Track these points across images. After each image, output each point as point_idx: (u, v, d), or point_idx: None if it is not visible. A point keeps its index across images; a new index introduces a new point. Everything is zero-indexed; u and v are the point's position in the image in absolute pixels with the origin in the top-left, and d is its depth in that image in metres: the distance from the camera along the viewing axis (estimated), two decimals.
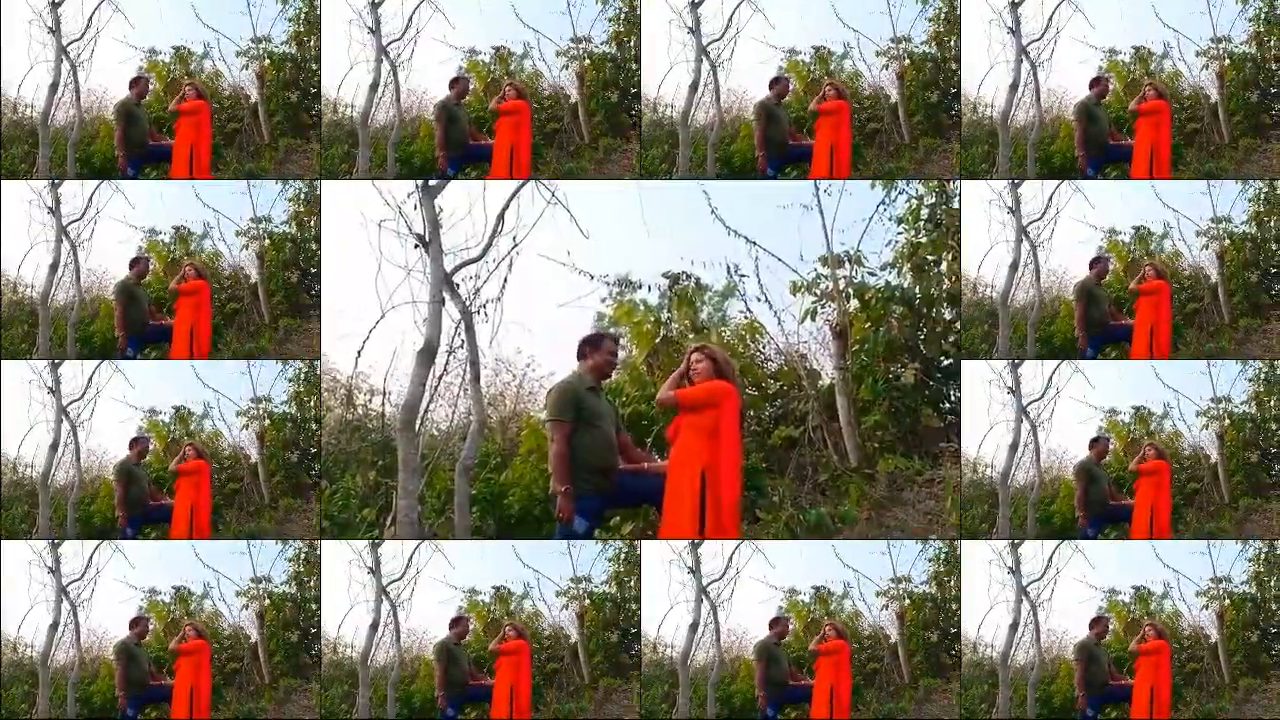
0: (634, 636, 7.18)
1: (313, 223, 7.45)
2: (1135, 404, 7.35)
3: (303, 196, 7.46)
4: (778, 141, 7.57)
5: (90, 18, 7.50)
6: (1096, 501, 7.28)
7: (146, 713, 7.23)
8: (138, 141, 7.52)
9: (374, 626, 7.19)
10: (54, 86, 7.50)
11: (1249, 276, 7.36)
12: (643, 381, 9.48)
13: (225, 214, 7.52)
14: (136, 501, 7.40)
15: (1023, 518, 7.27)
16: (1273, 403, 7.27)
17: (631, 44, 7.48)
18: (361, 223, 7.44)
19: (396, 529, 7.41)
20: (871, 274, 9.28)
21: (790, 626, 7.21)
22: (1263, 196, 7.34)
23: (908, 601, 7.21)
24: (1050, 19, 7.38)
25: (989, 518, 7.24)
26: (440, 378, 8.08)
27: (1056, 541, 7.18)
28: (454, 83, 7.60)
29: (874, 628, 7.23)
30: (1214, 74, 7.40)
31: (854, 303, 9.23)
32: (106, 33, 7.51)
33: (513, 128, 7.55)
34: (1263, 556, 7.15)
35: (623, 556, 7.21)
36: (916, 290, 9.18)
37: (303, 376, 7.42)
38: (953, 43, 7.45)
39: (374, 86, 7.51)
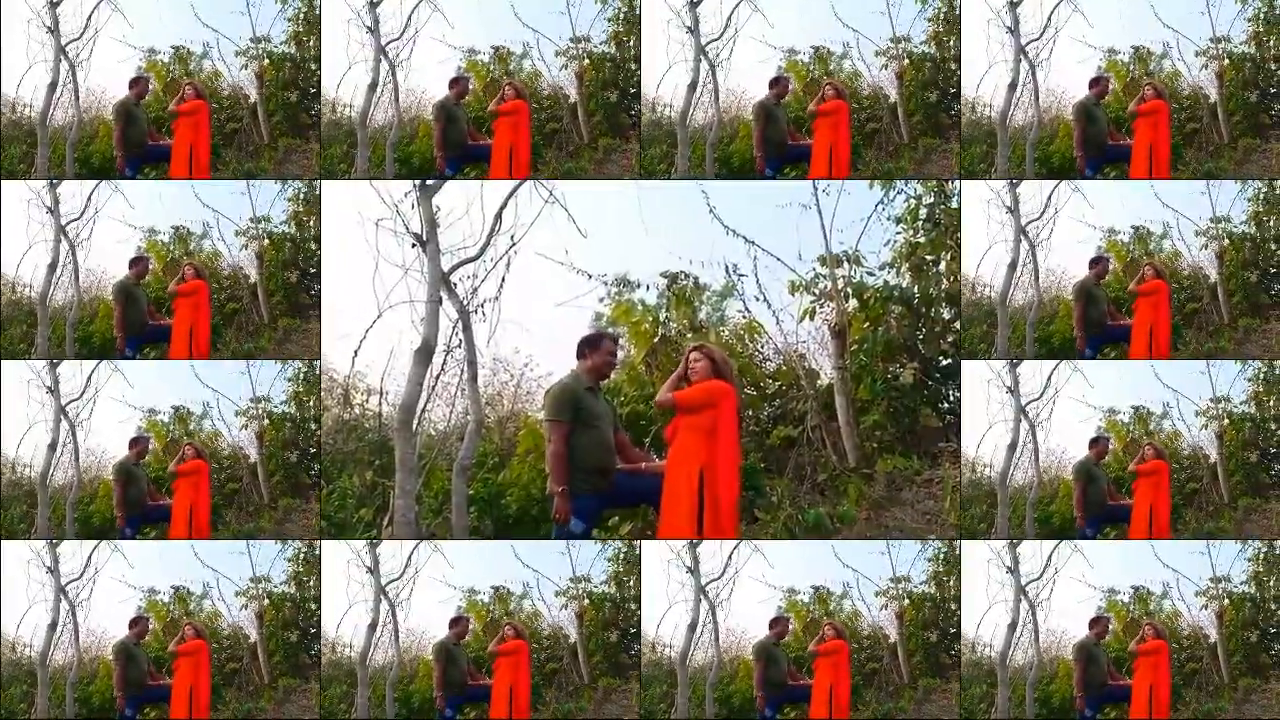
0: (633, 636, 7.14)
1: (312, 223, 7.39)
2: (1134, 404, 7.29)
3: (302, 196, 7.40)
4: (776, 142, 7.52)
5: (89, 17, 7.43)
6: (1095, 502, 7.22)
7: (145, 713, 7.17)
8: (136, 141, 7.45)
9: (373, 626, 7.13)
10: (53, 86, 7.44)
11: (1248, 276, 7.31)
12: (641, 381, 9.47)
13: (224, 214, 7.46)
14: (135, 502, 7.35)
15: (1021, 517, 7.21)
16: (1272, 403, 7.23)
17: (631, 44, 7.42)
18: (359, 222, 7.45)
19: (394, 529, 7.38)
20: (870, 274, 9.28)
21: (790, 626, 7.15)
22: (1262, 196, 7.29)
23: (907, 601, 7.15)
24: (1049, 18, 7.33)
25: (987, 517, 7.19)
26: (438, 377, 8.09)
27: (1055, 541, 7.12)
28: (454, 83, 7.54)
29: (873, 628, 7.18)
30: (1213, 74, 7.34)
31: (852, 302, 9.20)
32: (105, 32, 7.44)
33: (511, 128, 7.49)
34: (1262, 556, 7.10)
35: (622, 556, 7.16)
36: (915, 290, 9.14)
37: (302, 377, 7.36)
38: (952, 43, 7.40)
39: (373, 86, 7.45)
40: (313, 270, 7.42)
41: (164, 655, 7.18)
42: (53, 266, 7.42)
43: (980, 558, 7.09)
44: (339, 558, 7.15)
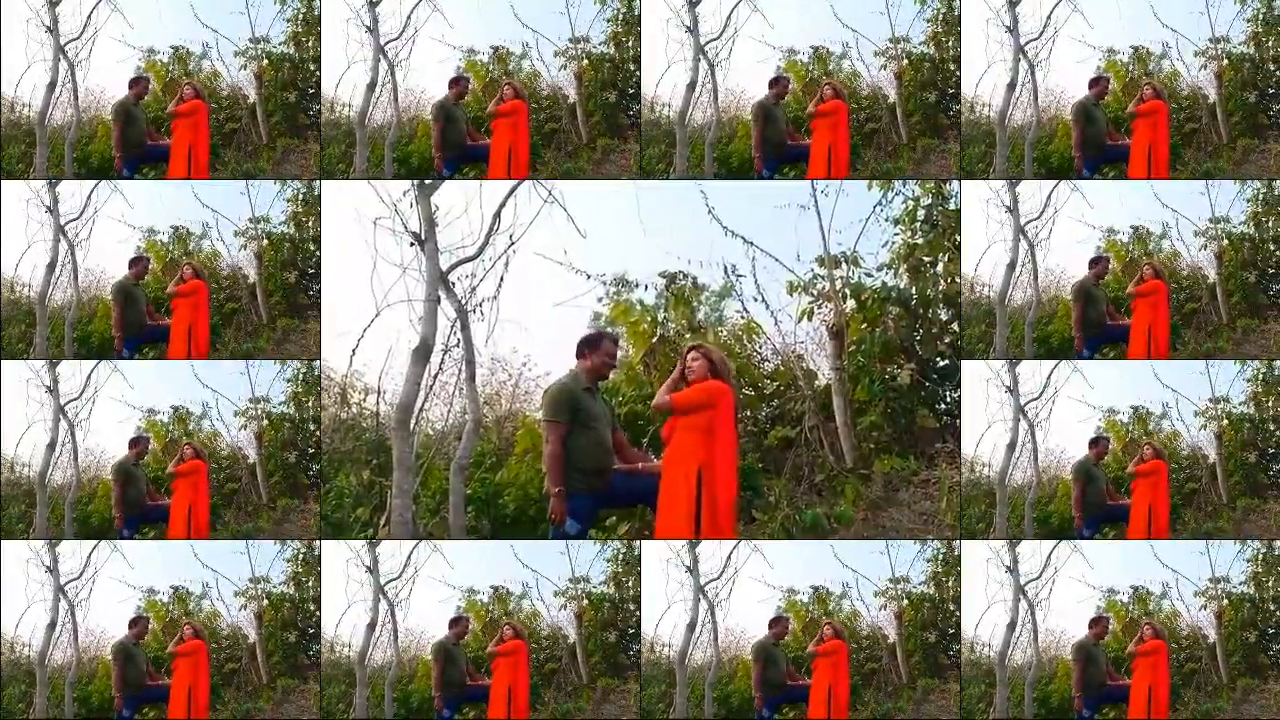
0: (632, 637, 7.08)
1: (310, 223, 7.33)
2: (1134, 404, 7.24)
3: (301, 197, 7.34)
4: (775, 142, 7.46)
5: (88, 17, 7.36)
6: (1094, 502, 7.17)
7: (144, 713, 7.10)
8: (135, 142, 7.39)
9: (371, 626, 7.07)
10: (52, 85, 7.37)
11: (1247, 277, 7.26)
12: (639, 381, 9.41)
13: (223, 214, 7.41)
14: (134, 502, 7.29)
15: (1020, 517, 7.14)
16: (1271, 403, 7.17)
17: (629, 45, 7.36)
18: (357, 221, 7.39)
19: (390, 528, 7.32)
20: (868, 275, 9.20)
21: (789, 626, 7.09)
22: (1261, 197, 7.24)
23: (906, 602, 7.10)
24: (1048, 18, 7.28)
25: (986, 517, 7.13)
26: (435, 376, 8.00)
27: (1054, 541, 7.06)
28: (454, 83, 7.48)
29: (872, 628, 7.13)
30: (1212, 74, 7.29)
31: (850, 303, 9.13)
32: (105, 32, 7.38)
33: (510, 128, 7.43)
34: (1261, 557, 7.05)
35: (620, 557, 7.10)
36: (913, 291, 9.08)
37: (301, 377, 7.30)
38: (950, 43, 7.34)
39: (371, 86, 7.39)
40: (311, 271, 7.36)
41: (163, 655, 7.12)
42: (52, 266, 7.36)
43: (979, 557, 7.03)
44: (338, 557, 7.08)
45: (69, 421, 7.29)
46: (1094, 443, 7.21)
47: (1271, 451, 7.16)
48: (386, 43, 7.38)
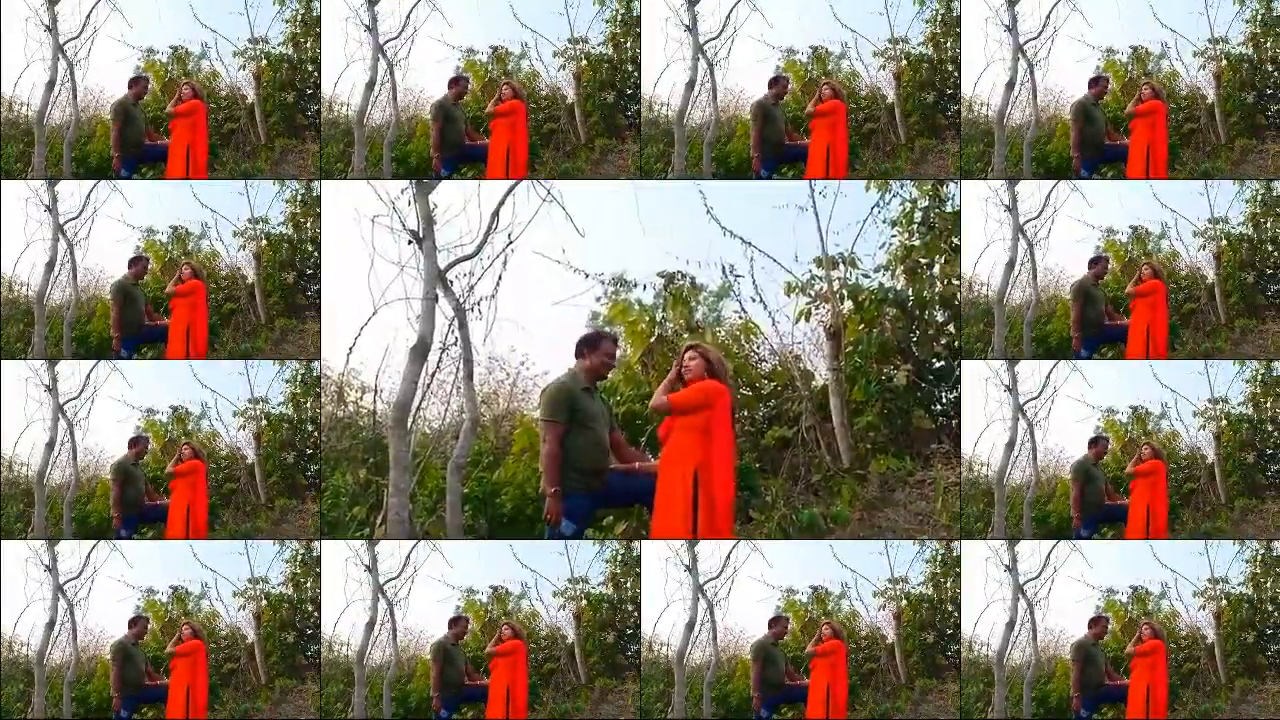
0: (630, 637, 7.01)
1: (309, 224, 7.27)
2: (1133, 404, 7.18)
3: (299, 198, 7.28)
4: (774, 142, 7.40)
5: (88, 16, 7.29)
6: (1092, 502, 7.11)
7: (143, 713, 7.03)
8: (133, 141, 7.32)
9: (370, 625, 6.99)
10: (51, 85, 7.30)
11: (1245, 277, 7.21)
12: (637, 381, 9.37)
13: (222, 214, 7.34)
14: (132, 502, 7.22)
15: (1019, 517, 7.08)
16: (1269, 404, 7.11)
17: (628, 45, 7.30)
18: (355, 219, 7.30)
19: (387, 528, 7.26)
20: (865, 276, 9.16)
21: (789, 626, 7.03)
22: (1259, 198, 7.20)
23: (904, 602, 7.04)
24: (1048, 17, 7.22)
25: (984, 516, 7.06)
26: (433, 375, 7.87)
27: (1053, 541, 7.00)
28: (453, 82, 7.42)
29: (871, 628, 7.06)
30: (1211, 74, 7.25)
31: (848, 304, 9.09)
32: (104, 31, 7.31)
33: (509, 128, 7.36)
34: (1259, 558, 6.99)
35: (619, 558, 7.04)
36: (909, 293, 9.04)
37: (299, 378, 7.24)
38: (949, 44, 7.30)
39: (370, 85, 7.32)
40: (309, 271, 7.30)
41: (162, 656, 7.06)
42: (50, 265, 7.29)
43: (978, 557, 6.97)
44: (337, 556, 7.02)
45: (68, 421, 7.23)
46: (1093, 442, 7.16)
47: (1269, 452, 7.10)
48: (385, 42, 7.32)
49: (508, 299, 7.66)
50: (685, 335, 9.18)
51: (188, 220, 7.34)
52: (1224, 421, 7.11)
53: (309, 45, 7.28)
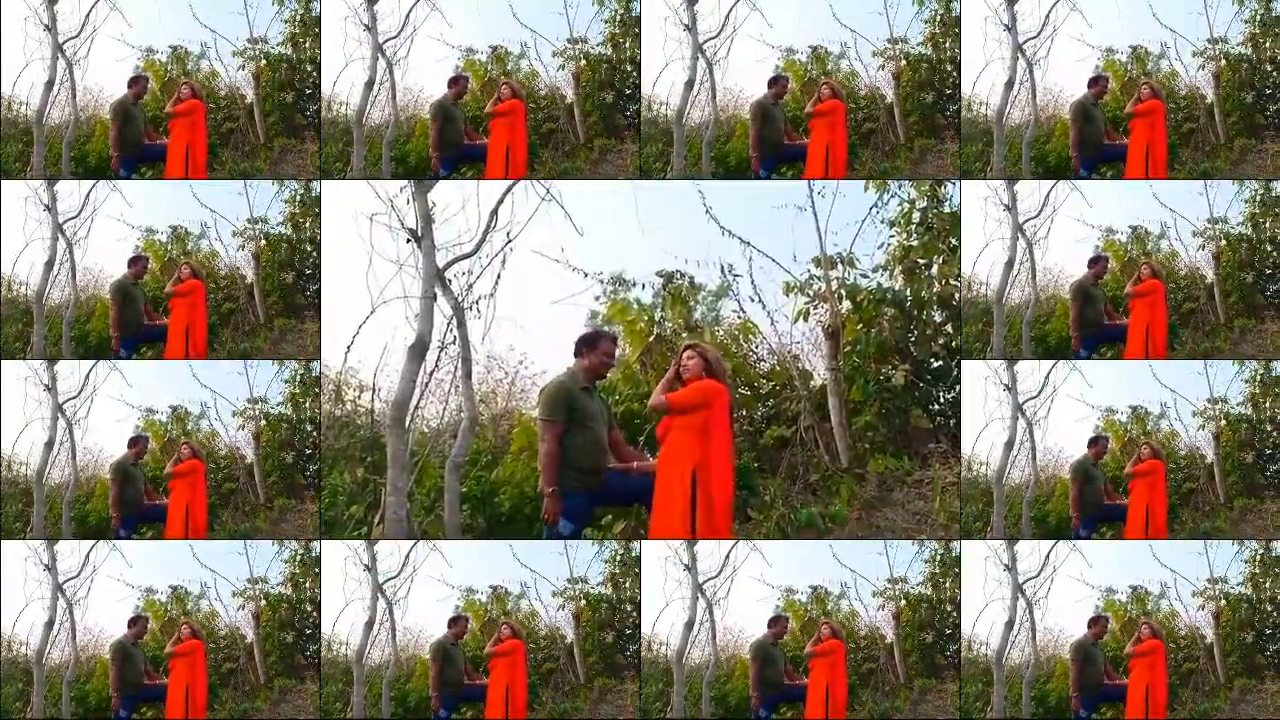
0: (629, 637, 6.98)
1: (308, 224, 7.24)
2: (1132, 403, 7.15)
3: (298, 198, 7.24)
4: (773, 142, 7.37)
5: (87, 15, 7.25)
6: (1091, 502, 7.08)
7: (142, 712, 6.99)
8: (132, 141, 7.28)
9: (369, 625, 6.96)
10: (50, 84, 7.25)
11: (1244, 277, 7.18)
12: (635, 380, 9.34)
13: (222, 214, 7.31)
14: (131, 501, 7.18)
15: (1018, 516, 7.05)
16: (1268, 404, 7.08)
17: (627, 45, 7.27)
18: (354, 217, 7.25)
19: (385, 527, 7.23)
20: (864, 276, 9.13)
21: (789, 626, 7.00)
22: (1258, 198, 7.17)
23: (904, 602, 7.00)
24: (1047, 17, 7.19)
25: (983, 516, 7.03)
26: (431, 374, 7.85)
27: (1052, 540, 6.97)
28: (453, 82, 7.38)
29: (870, 628, 7.02)
30: (1210, 74, 7.22)
31: (846, 304, 9.06)
32: (103, 31, 7.27)
33: (508, 128, 7.32)
34: (1258, 558, 6.96)
35: (618, 558, 7.00)
36: (907, 293, 9.02)
37: (298, 378, 7.20)
38: (948, 44, 7.26)
39: (369, 84, 7.28)
40: (308, 271, 7.26)
41: (161, 655, 7.02)
42: (49, 265, 7.25)
43: (977, 556, 6.94)
44: (336, 555, 6.99)
45: (67, 420, 7.19)
46: (1093, 442, 7.13)
47: (1268, 452, 7.07)
48: (385, 41, 7.28)
49: (506, 298, 7.65)
50: (684, 334, 9.16)
51: (187, 220, 7.30)
52: (1223, 421, 7.08)
53: (308, 45, 7.24)
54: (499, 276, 7.55)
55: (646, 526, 6.97)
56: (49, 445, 7.16)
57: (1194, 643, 6.94)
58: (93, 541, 7.02)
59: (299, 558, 7.02)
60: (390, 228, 7.24)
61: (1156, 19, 7.16)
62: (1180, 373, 7.09)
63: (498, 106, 7.29)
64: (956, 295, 8.54)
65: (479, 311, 7.59)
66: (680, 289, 9.45)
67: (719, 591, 6.94)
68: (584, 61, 7.32)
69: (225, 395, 7.20)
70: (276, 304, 7.24)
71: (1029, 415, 7.05)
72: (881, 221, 9.05)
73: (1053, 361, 7.09)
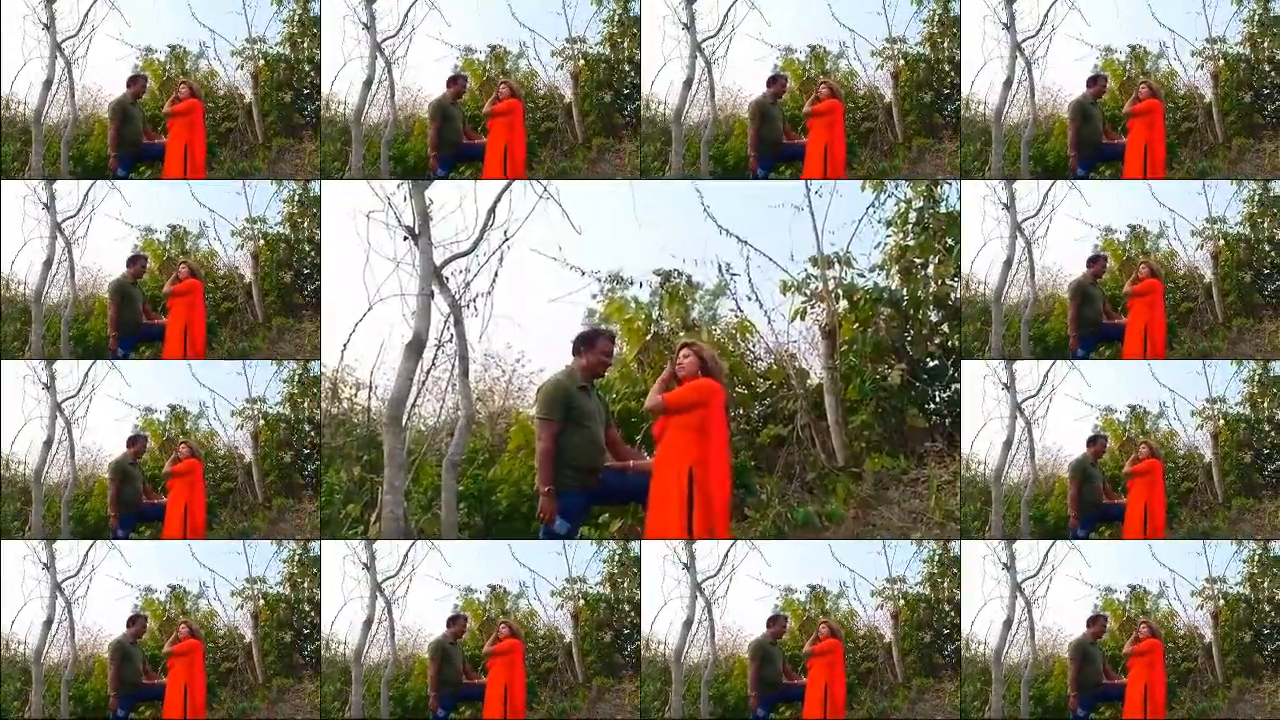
0: (627, 637, 6.92)
1: (306, 223, 7.18)
2: (1130, 403, 7.10)
3: (296, 198, 7.18)
4: (771, 141, 7.32)
5: (86, 14, 7.18)
6: (1090, 501, 7.03)
7: (140, 712, 6.93)
8: (131, 140, 7.23)
9: (368, 624, 6.89)
10: (48, 83, 7.19)
11: (1243, 277, 7.13)
12: (633, 379, 9.30)
13: (220, 214, 7.24)
14: (130, 501, 7.12)
15: (1016, 515, 6.99)
16: (1266, 403, 7.03)
17: (625, 45, 7.21)
18: (351, 215, 7.18)
19: (382, 525, 7.14)
20: (860, 275, 9.12)
21: (787, 625, 6.94)
22: (1257, 198, 7.12)
23: (902, 602, 6.94)
24: (1046, 16, 7.13)
25: (982, 515, 6.97)
26: (428, 372, 7.81)
27: (1051, 540, 6.91)
28: (451, 81, 7.32)
29: (868, 627, 6.96)
30: (1209, 74, 7.17)
31: (843, 303, 9.05)
32: (102, 30, 7.21)
33: (506, 127, 7.26)
34: (1256, 557, 6.90)
35: (617, 558, 6.95)
36: (904, 292, 8.98)
37: (297, 378, 7.13)
38: (947, 44, 7.21)
39: (368, 84, 7.21)
40: (306, 271, 7.19)
41: (159, 654, 6.95)
42: (48, 264, 7.19)
43: (976, 555, 6.88)
44: (335, 555, 6.93)
45: (65, 419, 7.13)
46: (1091, 441, 7.08)
47: (1267, 452, 7.02)
48: (383, 40, 7.23)
49: (504, 296, 7.59)
50: (681, 333, 9.12)
51: (185, 219, 7.25)
52: (1221, 421, 7.03)
53: (307, 45, 7.18)
54: (496, 274, 7.49)
55: (644, 525, 6.85)
56: (47, 444, 7.10)
57: (1192, 642, 6.89)
58: (91, 541, 6.97)
59: (297, 557, 6.96)
60: (387, 225, 7.18)
61: (1155, 18, 7.12)
62: (1179, 372, 7.05)
63: (496, 106, 7.24)
64: (952, 295, 8.54)
65: (476, 309, 7.52)
66: (678, 288, 9.42)
67: (717, 591, 6.88)
68: (582, 61, 7.27)
69: (224, 395, 7.15)
70: (275, 304, 7.18)
71: (1027, 414, 7.00)
72: (878, 221, 9.08)
73: (1051, 361, 7.05)
